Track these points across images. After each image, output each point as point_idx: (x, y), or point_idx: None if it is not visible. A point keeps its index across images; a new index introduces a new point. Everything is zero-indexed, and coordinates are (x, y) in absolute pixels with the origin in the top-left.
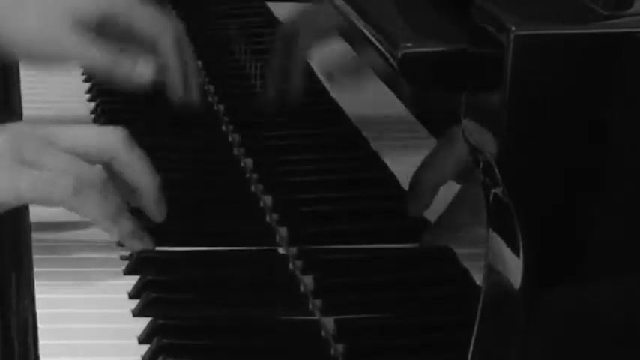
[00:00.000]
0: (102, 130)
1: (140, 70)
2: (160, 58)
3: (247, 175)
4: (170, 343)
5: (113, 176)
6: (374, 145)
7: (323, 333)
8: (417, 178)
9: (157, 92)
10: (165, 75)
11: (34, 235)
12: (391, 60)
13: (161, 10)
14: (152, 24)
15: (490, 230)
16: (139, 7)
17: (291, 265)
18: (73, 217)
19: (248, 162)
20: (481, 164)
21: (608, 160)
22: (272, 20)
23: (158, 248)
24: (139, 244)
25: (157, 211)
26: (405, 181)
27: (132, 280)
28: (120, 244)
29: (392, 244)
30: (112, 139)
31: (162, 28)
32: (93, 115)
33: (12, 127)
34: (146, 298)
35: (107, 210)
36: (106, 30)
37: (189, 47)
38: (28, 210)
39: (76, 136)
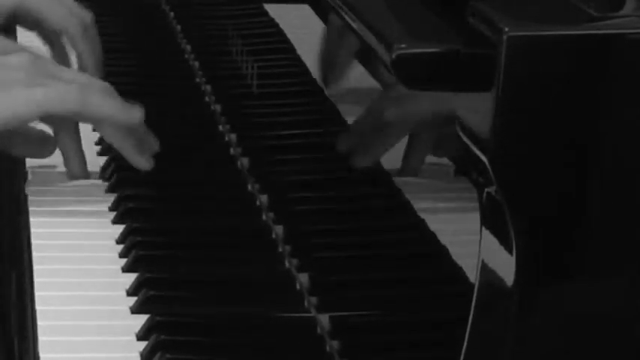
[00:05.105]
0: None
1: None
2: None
3: (244, 175)
4: (168, 340)
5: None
6: None
7: (318, 330)
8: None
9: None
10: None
11: (34, 232)
12: (385, 60)
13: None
14: (60, 15)
15: (483, 228)
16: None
17: (287, 263)
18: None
19: (244, 161)
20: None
21: (600, 159)
22: (269, 21)
23: (156, 247)
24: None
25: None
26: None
27: (130, 278)
28: (119, 242)
29: (388, 242)
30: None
31: (70, 19)
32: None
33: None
34: (144, 296)
35: (115, 104)
36: (17, 21)
37: (97, 37)
38: (28, 210)
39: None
